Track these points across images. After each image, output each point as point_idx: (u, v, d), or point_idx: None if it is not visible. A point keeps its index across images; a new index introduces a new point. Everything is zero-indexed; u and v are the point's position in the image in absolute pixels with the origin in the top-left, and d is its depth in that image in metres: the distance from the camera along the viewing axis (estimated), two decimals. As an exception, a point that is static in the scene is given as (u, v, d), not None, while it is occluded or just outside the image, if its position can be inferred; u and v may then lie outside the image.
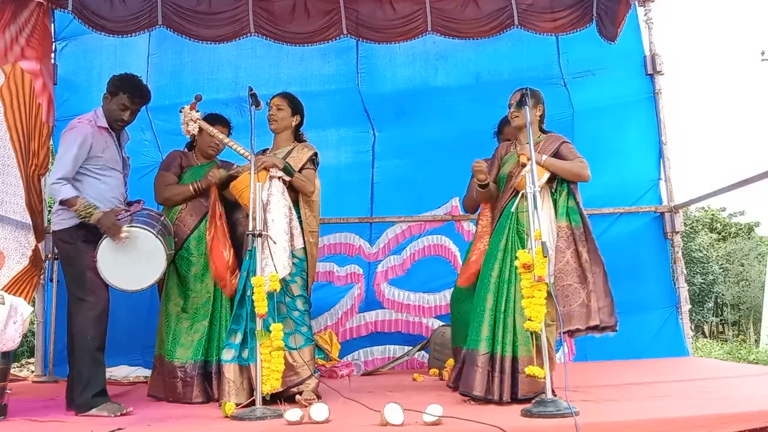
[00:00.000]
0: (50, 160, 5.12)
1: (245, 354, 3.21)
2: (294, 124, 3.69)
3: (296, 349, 3.28)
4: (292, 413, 2.63)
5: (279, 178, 3.38)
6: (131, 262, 3.13)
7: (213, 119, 3.83)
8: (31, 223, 4.69)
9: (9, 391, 2.94)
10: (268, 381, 2.91)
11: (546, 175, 3.28)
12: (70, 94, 5.36)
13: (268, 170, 3.37)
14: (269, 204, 3.31)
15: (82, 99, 5.41)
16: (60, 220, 3.26)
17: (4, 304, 2.93)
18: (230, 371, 3.20)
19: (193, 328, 3.55)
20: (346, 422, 2.67)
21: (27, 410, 3.12)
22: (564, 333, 3.09)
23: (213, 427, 2.78)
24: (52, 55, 5.13)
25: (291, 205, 3.43)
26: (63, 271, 3.36)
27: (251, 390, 3.14)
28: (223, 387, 3.21)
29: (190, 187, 3.68)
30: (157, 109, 5.43)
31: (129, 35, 5.03)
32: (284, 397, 3.19)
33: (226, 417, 2.88)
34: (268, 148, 3.71)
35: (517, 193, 3.34)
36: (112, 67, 5.44)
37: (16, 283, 4.44)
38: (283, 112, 3.63)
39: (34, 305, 4.88)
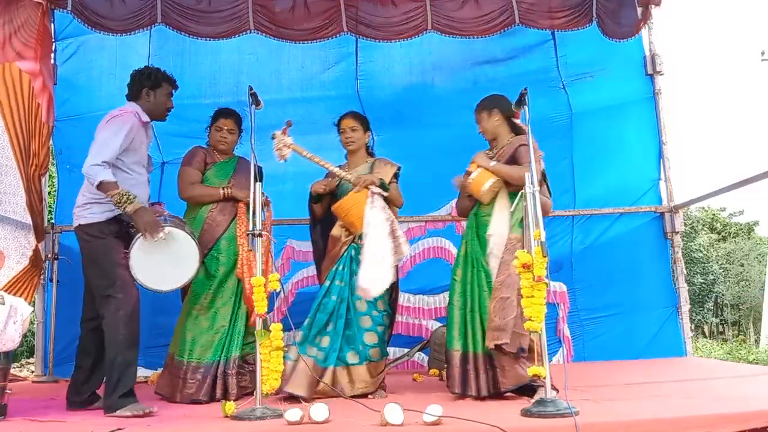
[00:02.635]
0: (50, 160, 5.12)
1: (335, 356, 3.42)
2: (366, 141, 3.84)
3: (375, 361, 3.49)
4: (292, 413, 2.62)
5: (378, 194, 3.54)
6: (165, 262, 3.08)
7: (226, 113, 3.84)
8: (31, 223, 4.69)
9: (9, 391, 2.94)
10: (268, 381, 2.91)
11: (490, 181, 3.38)
12: (71, 94, 5.36)
13: (368, 188, 3.52)
14: (370, 219, 3.44)
15: (82, 99, 5.41)
16: (89, 214, 3.15)
17: (4, 304, 2.92)
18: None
19: (213, 327, 3.53)
20: (346, 422, 2.66)
21: (27, 410, 3.12)
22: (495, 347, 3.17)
23: (213, 427, 2.78)
24: (52, 55, 5.13)
25: (394, 217, 3.56)
26: (84, 268, 3.21)
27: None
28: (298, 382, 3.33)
29: (220, 192, 3.68)
30: (158, 110, 5.45)
31: (129, 34, 5.03)
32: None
33: (226, 417, 2.87)
34: (343, 165, 3.80)
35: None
36: (113, 68, 5.46)
37: (17, 283, 4.45)
38: (358, 132, 3.77)
39: (34, 305, 4.88)
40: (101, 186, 3.01)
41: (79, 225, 3.19)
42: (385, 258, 3.38)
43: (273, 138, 3.58)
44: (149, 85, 3.33)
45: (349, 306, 3.50)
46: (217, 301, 3.57)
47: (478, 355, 3.27)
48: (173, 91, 3.44)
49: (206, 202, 3.70)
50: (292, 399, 3.29)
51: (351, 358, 3.45)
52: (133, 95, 3.36)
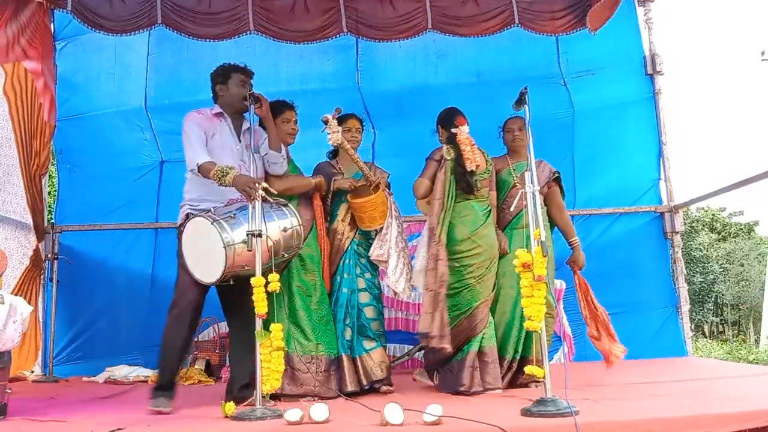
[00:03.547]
0: (51, 160, 5.13)
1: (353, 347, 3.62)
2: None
3: (384, 345, 3.74)
4: (292, 413, 2.62)
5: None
6: (207, 253, 2.98)
7: (290, 105, 3.71)
8: (31, 223, 4.69)
9: (9, 391, 2.94)
10: (268, 381, 2.91)
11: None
12: (70, 94, 5.36)
13: (384, 189, 3.73)
14: (393, 219, 3.71)
15: (82, 99, 5.41)
16: (179, 216, 3.23)
17: (3, 303, 2.92)
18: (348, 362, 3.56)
19: (317, 321, 3.54)
20: (346, 422, 2.66)
21: (27, 410, 3.11)
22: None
23: (213, 427, 2.77)
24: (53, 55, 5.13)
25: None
26: None
27: (359, 380, 3.56)
28: (346, 377, 3.53)
29: (312, 181, 3.65)
30: (157, 108, 5.43)
31: (128, 34, 5.02)
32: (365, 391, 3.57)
33: (226, 417, 2.87)
34: (336, 161, 3.91)
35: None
36: (112, 67, 5.46)
37: (23, 285, 4.46)
38: (361, 134, 3.94)
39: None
40: (200, 170, 3.06)
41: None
42: (405, 255, 3.71)
43: (325, 122, 3.57)
44: (221, 81, 3.38)
45: (357, 297, 3.69)
46: (315, 296, 3.55)
47: None
48: (248, 77, 3.39)
49: (297, 193, 3.60)
50: (279, 398, 3.30)
51: (367, 344, 3.64)
52: (213, 97, 3.42)
